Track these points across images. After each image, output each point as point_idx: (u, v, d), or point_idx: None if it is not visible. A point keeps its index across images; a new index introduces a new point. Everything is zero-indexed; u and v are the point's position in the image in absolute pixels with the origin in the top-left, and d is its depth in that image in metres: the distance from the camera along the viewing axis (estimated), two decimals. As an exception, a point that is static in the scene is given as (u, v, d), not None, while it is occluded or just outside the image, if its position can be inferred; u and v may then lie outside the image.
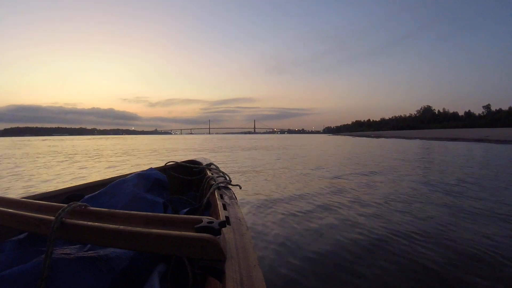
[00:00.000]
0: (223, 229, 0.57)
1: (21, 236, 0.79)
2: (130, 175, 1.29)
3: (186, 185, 1.95)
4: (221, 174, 1.62)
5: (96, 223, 0.56)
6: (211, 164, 1.90)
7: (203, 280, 0.73)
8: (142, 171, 1.38)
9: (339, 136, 52.67)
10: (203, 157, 2.34)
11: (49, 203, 0.71)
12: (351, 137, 44.95)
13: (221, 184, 1.31)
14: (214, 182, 1.34)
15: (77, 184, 1.35)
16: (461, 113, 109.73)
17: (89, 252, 0.69)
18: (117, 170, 5.89)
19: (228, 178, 1.49)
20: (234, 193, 1.24)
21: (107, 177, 1.50)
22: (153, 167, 1.64)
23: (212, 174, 1.60)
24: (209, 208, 1.12)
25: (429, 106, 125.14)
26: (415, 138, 28.28)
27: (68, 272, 0.60)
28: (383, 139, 29.73)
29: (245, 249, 0.61)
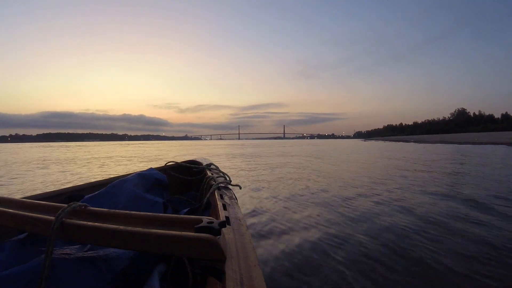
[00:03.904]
0: (223, 229, 0.57)
1: (21, 236, 0.79)
2: (130, 175, 1.29)
3: (186, 185, 1.95)
4: (221, 174, 1.62)
5: (96, 223, 0.56)
6: (211, 164, 1.90)
7: (203, 280, 0.73)
8: (142, 171, 1.38)
9: (373, 142, 44.61)
10: (203, 157, 2.34)
11: (49, 203, 0.71)
12: (386, 142, 40.16)
13: (221, 184, 1.31)
14: (214, 182, 1.34)
15: (77, 184, 1.35)
16: (496, 115, 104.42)
17: (89, 252, 0.69)
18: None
19: (228, 178, 1.49)
20: (234, 193, 1.24)
21: (107, 177, 1.50)
22: (153, 167, 1.64)
23: (212, 174, 1.60)
24: (209, 208, 1.12)
25: (464, 109, 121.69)
26: (466, 143, 24.75)
27: (68, 272, 0.60)
28: (428, 144, 25.60)
29: (245, 249, 0.61)
